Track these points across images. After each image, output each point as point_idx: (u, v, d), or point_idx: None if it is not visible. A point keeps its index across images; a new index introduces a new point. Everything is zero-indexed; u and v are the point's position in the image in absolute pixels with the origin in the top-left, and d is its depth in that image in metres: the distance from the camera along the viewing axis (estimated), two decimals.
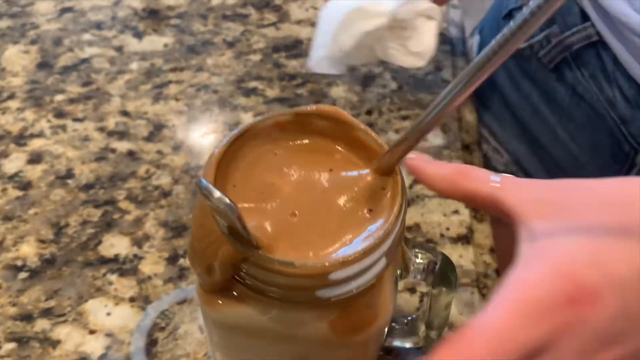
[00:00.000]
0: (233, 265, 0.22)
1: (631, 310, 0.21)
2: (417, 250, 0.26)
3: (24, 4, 0.56)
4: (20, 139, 0.45)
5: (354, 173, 0.24)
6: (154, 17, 0.56)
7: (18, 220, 0.40)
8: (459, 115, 0.49)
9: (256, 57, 0.52)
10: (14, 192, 0.41)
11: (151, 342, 0.34)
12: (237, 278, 0.22)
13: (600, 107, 0.45)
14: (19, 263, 0.38)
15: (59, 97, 0.48)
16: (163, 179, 0.42)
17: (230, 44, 0.53)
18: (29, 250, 0.38)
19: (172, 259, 0.38)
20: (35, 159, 0.43)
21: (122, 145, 0.45)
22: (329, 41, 0.45)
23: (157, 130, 0.46)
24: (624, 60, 0.42)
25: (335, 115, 0.25)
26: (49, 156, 0.44)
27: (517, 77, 0.51)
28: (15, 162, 0.43)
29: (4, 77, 0.49)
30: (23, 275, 0.37)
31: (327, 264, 0.21)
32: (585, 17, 0.44)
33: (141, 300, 0.36)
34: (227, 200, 0.19)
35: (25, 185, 0.42)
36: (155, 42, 0.53)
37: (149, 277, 0.37)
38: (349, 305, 0.23)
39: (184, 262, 0.38)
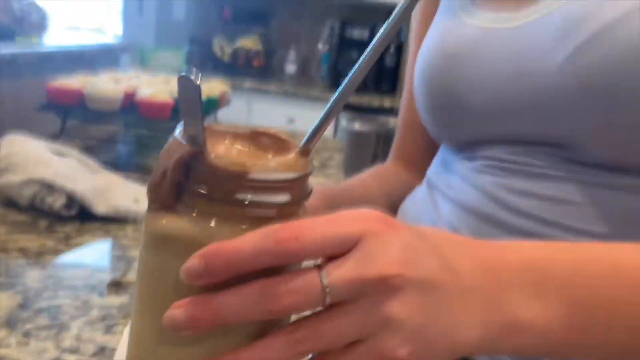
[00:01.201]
0: (183, 163, 0.30)
1: (418, 249, 0.32)
2: None
3: (20, 271, 0.73)
4: None
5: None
6: (118, 286, 0.72)
7: None
8: None
9: None
10: None
11: None
12: (182, 185, 0.30)
13: None
14: None
15: (29, 325, 0.61)
16: None
17: None
18: None
19: None
20: None
21: (72, 357, 0.56)
22: None
23: (101, 350, 0.58)
24: None
25: (277, 134, 0.36)
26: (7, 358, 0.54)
27: None
28: None
29: None
30: None
31: (248, 163, 0.30)
32: None
33: None
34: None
35: None
36: (114, 300, 0.69)
37: None
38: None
39: None
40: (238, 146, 0.36)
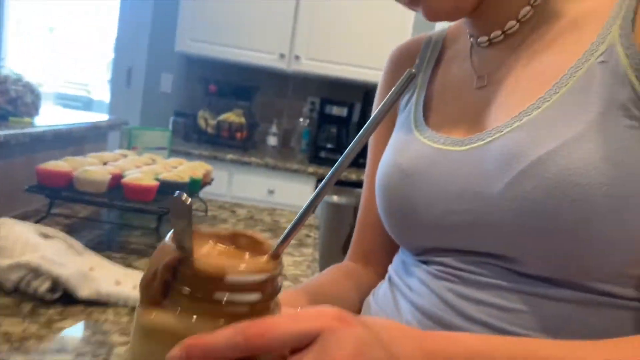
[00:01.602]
0: (171, 266, 0.35)
1: (368, 344, 0.37)
2: None
3: None
4: None
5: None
6: None
7: None
8: None
9: None
10: None
11: None
12: (170, 284, 0.34)
13: None
14: None
15: None
16: None
17: None
18: None
19: None
20: None
21: None
22: None
23: None
24: None
25: (254, 236, 0.41)
26: None
27: None
28: None
29: None
30: None
31: (226, 267, 0.35)
32: None
33: None
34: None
35: None
36: None
37: None
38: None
39: None
40: (220, 246, 0.41)
